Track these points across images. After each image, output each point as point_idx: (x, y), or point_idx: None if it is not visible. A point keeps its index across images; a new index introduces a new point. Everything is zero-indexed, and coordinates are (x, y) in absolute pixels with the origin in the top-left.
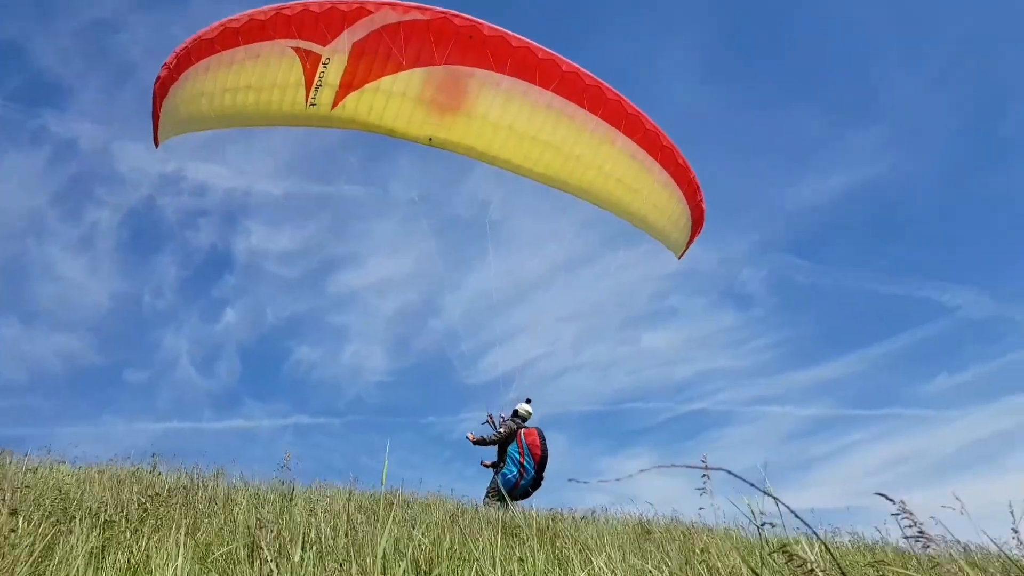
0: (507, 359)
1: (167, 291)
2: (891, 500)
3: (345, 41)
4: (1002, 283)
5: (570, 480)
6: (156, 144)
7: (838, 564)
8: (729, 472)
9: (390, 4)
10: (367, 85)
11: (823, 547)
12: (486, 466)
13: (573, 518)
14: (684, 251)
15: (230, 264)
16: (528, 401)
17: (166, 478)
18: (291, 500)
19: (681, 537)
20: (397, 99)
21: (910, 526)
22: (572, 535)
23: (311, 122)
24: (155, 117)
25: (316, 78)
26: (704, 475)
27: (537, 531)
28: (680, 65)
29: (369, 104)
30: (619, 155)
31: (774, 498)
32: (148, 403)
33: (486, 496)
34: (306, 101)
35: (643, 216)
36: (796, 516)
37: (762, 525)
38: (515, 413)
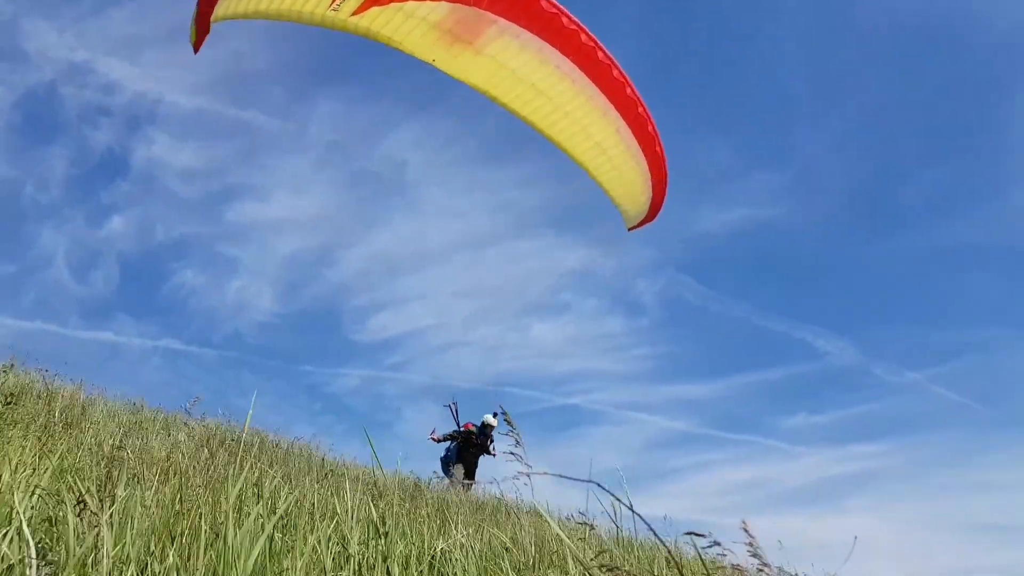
0: (399, 323)
1: (53, 186)
2: (701, 535)
3: None
4: (869, 339)
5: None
6: (197, 44)
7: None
8: (561, 476)
9: None
10: (392, 3)
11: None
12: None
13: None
14: (634, 227)
15: (125, 170)
16: (495, 415)
17: (23, 380)
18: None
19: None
20: (416, 21)
21: (723, 555)
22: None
23: (323, 23)
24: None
25: None
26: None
27: (405, 495)
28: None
29: (387, 19)
30: (607, 129)
31: (617, 498)
32: (11, 299)
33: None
34: (331, 5)
35: (607, 184)
36: (633, 512)
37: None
38: (483, 425)
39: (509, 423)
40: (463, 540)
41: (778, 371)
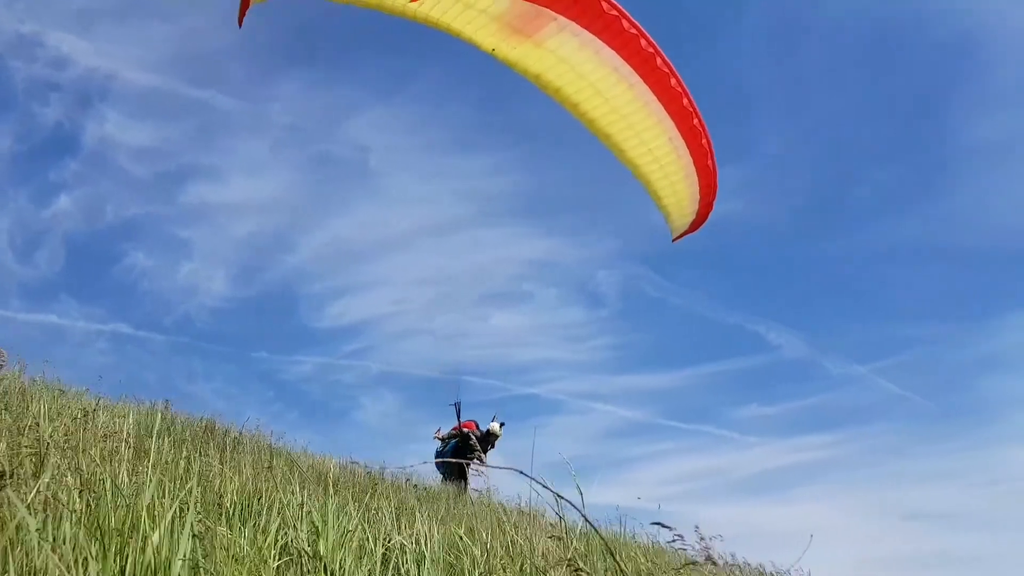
0: (357, 310)
1: None
2: (668, 527)
3: None
4: (819, 333)
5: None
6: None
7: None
8: (520, 472)
9: None
10: None
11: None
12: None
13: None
14: (678, 237)
15: (75, 148)
16: (501, 425)
17: None
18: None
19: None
20: (475, 12)
21: (684, 549)
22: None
23: (380, 6)
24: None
25: None
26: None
27: (359, 489)
28: None
29: (446, 8)
30: (661, 138)
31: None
32: None
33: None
34: None
35: (656, 192)
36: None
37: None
38: (487, 433)
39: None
40: (421, 532)
41: (732, 363)
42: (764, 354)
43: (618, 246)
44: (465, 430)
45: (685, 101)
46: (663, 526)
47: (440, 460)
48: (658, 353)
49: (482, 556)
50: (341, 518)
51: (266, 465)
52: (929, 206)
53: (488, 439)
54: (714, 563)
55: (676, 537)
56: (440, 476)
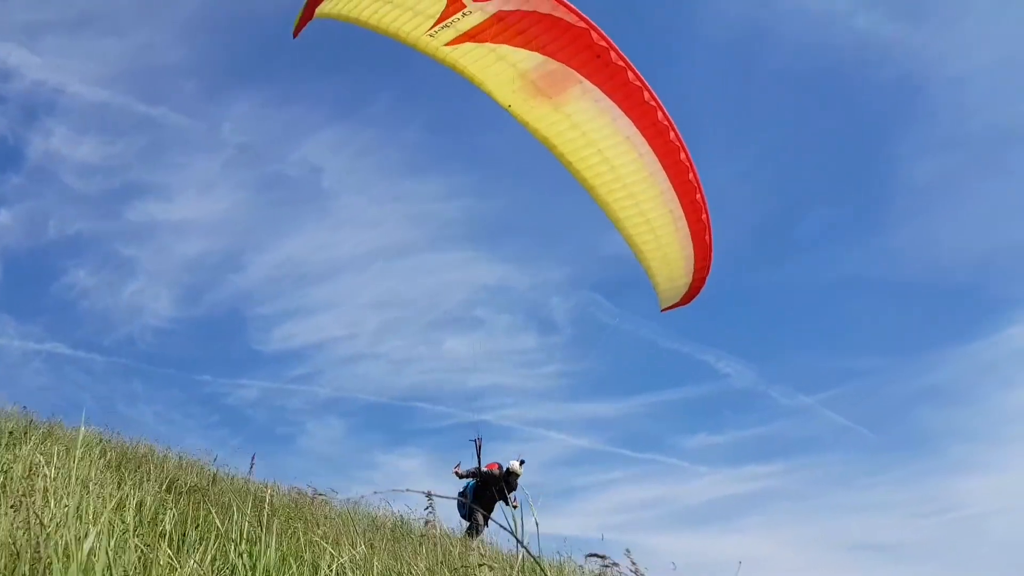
0: (306, 333)
1: None
2: (601, 557)
3: (494, 4)
4: (767, 363)
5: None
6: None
7: None
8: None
9: None
10: (487, 43)
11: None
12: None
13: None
14: (668, 308)
15: (18, 162)
16: (521, 463)
17: None
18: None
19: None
20: (504, 66)
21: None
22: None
23: (416, 45)
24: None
25: (449, 19)
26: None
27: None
28: None
29: (478, 57)
30: (661, 209)
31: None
32: None
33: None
34: (428, 31)
35: (648, 263)
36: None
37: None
38: (508, 472)
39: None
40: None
41: (682, 391)
42: (713, 383)
43: (570, 272)
44: (485, 470)
45: (691, 175)
46: (598, 556)
47: (461, 499)
48: (609, 381)
49: None
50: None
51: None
52: (874, 240)
53: (508, 479)
54: None
55: (611, 564)
56: (461, 519)
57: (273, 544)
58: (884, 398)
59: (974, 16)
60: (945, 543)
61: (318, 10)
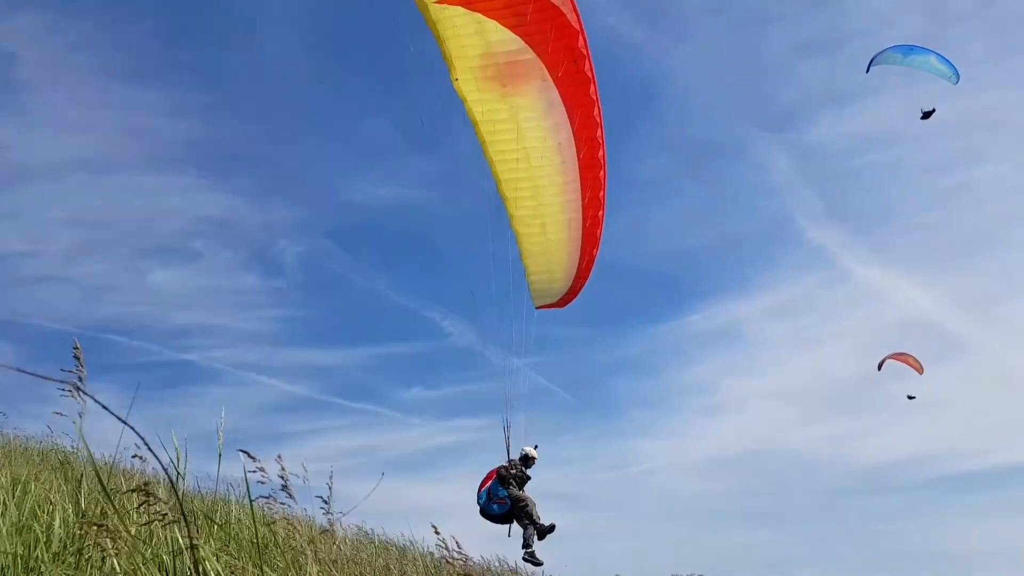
0: None
1: None
2: (252, 457)
3: None
4: (487, 326)
5: None
6: None
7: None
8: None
9: None
10: (477, 12)
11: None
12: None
13: None
14: (542, 307)
15: None
16: (535, 447)
17: None
18: None
19: None
20: (478, 41)
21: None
22: None
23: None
24: None
25: None
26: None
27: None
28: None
29: (460, 25)
30: (560, 216)
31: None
32: None
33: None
34: None
35: (528, 254)
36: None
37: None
38: (524, 457)
39: None
40: None
41: (405, 346)
42: (436, 340)
43: (303, 215)
44: (502, 471)
45: (602, 193)
46: (247, 454)
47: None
48: (333, 329)
49: None
50: None
51: None
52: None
53: (527, 463)
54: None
55: (258, 469)
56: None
57: None
58: (585, 366)
59: (701, 36)
60: (619, 495)
61: None
